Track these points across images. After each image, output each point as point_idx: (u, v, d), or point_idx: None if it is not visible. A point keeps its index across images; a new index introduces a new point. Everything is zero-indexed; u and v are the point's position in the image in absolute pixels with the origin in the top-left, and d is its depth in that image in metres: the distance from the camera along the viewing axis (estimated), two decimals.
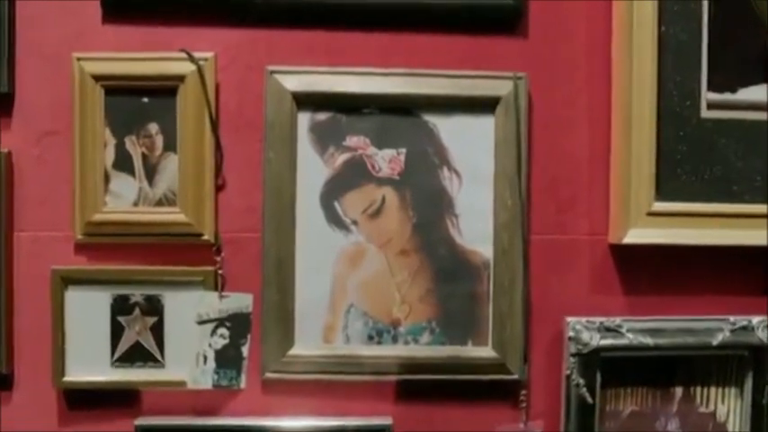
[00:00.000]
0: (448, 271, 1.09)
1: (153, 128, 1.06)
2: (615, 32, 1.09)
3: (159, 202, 1.07)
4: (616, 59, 1.09)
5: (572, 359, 1.07)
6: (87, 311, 1.07)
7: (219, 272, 1.07)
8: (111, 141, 1.06)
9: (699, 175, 1.08)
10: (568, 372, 1.08)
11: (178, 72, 1.04)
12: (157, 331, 1.07)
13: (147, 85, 1.05)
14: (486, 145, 1.08)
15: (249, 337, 1.08)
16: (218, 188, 1.07)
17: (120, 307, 1.07)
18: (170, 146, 1.06)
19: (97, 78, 1.04)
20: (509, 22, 1.09)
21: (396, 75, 1.07)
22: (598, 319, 1.08)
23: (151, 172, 1.06)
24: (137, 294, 1.07)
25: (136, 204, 1.06)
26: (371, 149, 1.08)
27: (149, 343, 1.08)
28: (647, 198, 1.07)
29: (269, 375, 1.08)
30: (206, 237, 1.07)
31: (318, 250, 1.08)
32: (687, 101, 1.08)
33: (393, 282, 1.09)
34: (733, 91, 1.08)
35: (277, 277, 1.07)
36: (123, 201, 1.06)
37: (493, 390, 1.10)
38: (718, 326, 1.09)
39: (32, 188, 1.07)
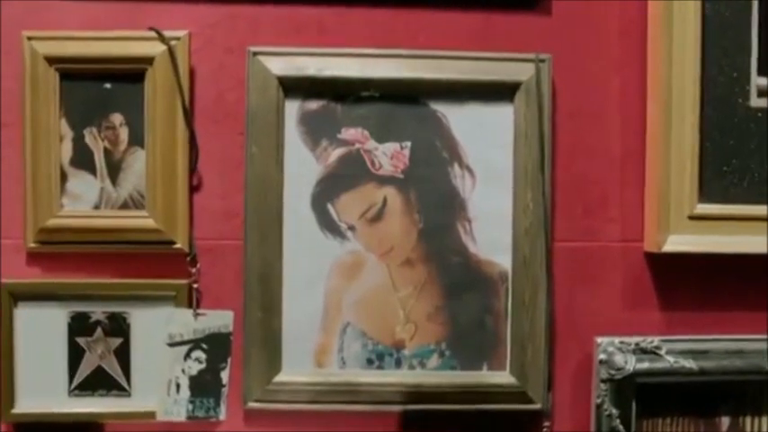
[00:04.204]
0: (460, 284, 1.06)
1: (116, 118, 1.03)
2: (651, 9, 1.06)
3: (124, 205, 1.04)
4: (653, 40, 1.06)
5: (603, 386, 1.05)
6: (41, 332, 1.04)
7: (194, 286, 1.04)
8: (69, 134, 1.03)
9: (748, 172, 1.06)
10: (599, 400, 1.05)
11: (146, 53, 1.01)
12: (123, 355, 1.05)
13: (110, 69, 1.02)
14: (504, 138, 1.05)
15: (229, 361, 1.05)
16: (193, 189, 1.04)
17: (80, 326, 1.04)
18: (136, 139, 1.03)
19: (51, 61, 1.01)
20: None
21: (399, 57, 1.04)
22: (633, 340, 1.06)
23: (115, 170, 1.03)
24: (98, 312, 1.04)
25: (97, 207, 1.04)
26: (371, 143, 1.05)
27: (113, 368, 1.05)
28: (689, 199, 1.04)
29: (252, 405, 1.05)
30: (179, 245, 1.04)
31: (309, 261, 1.05)
32: (735, 87, 1.05)
33: (396, 297, 1.06)
34: None
35: (261, 292, 1.04)
36: (82, 203, 1.03)
37: (512, 421, 1.07)
38: None
39: None
